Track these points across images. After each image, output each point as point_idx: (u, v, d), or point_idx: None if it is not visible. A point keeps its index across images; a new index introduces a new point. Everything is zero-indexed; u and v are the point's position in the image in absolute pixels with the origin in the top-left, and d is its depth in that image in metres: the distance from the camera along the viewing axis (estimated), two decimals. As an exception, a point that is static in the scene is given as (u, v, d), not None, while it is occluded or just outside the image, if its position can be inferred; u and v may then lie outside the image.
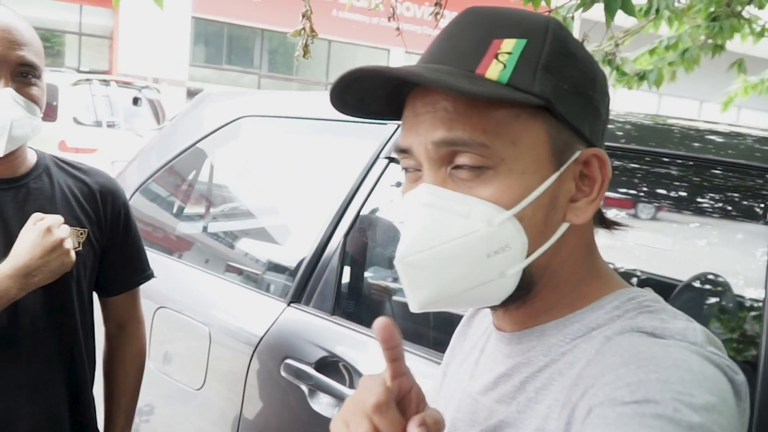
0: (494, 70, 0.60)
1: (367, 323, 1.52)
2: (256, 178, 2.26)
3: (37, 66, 1.18)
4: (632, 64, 2.33)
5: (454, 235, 0.60)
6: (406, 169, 0.67)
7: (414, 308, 0.64)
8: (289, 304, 1.63)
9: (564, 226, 0.63)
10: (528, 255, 0.62)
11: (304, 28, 1.65)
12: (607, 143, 1.33)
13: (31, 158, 1.28)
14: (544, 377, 0.63)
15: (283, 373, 1.52)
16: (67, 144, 7.53)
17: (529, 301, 0.65)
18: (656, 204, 1.43)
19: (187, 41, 13.87)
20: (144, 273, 1.44)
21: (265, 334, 1.60)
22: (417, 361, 1.35)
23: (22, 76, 1.16)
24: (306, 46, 1.68)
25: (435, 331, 1.65)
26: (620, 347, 0.57)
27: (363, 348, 1.47)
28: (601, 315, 0.63)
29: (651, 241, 1.55)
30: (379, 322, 0.59)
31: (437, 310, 0.65)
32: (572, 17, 1.64)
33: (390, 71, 0.60)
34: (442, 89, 0.59)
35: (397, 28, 1.75)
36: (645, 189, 1.46)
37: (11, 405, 1.21)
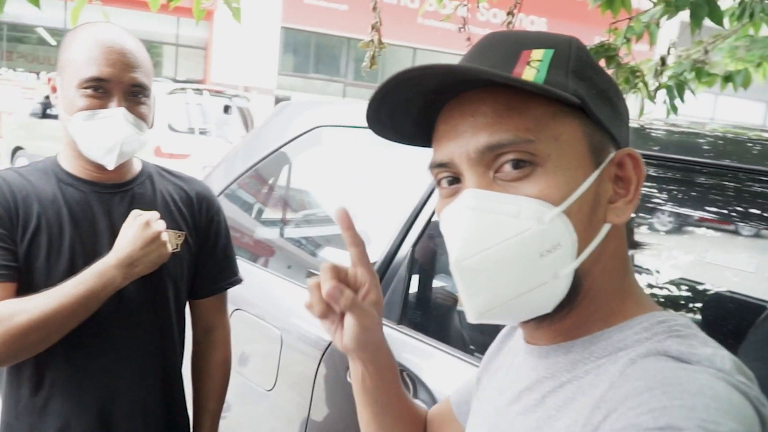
0: (529, 74, 0.62)
1: (433, 334, 1.53)
2: (329, 186, 2.31)
3: (147, 86, 1.28)
4: (722, 65, 2.22)
5: (507, 235, 0.60)
6: (439, 184, 0.68)
7: (471, 317, 0.64)
8: (357, 311, 1.65)
9: (606, 227, 0.64)
10: (578, 255, 0.62)
11: (372, 40, 1.68)
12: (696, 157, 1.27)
13: (137, 166, 1.39)
14: (565, 394, 0.63)
15: (349, 379, 1.54)
16: (162, 150, 7.92)
17: (570, 312, 0.65)
18: (743, 222, 1.36)
19: (277, 51, 14.31)
20: (232, 277, 1.52)
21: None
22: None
23: (133, 95, 1.25)
24: (373, 57, 1.70)
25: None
26: (645, 371, 0.56)
27: (428, 358, 1.48)
28: (630, 335, 0.62)
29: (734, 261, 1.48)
30: (339, 210, 0.76)
31: (493, 322, 0.65)
32: (657, 24, 1.57)
33: (442, 67, 0.60)
34: (496, 79, 0.59)
35: (468, 39, 1.75)
36: (737, 207, 1.39)
37: (111, 392, 1.31)
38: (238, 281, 1.53)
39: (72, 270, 1.23)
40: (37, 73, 14.38)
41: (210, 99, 9.06)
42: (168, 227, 1.31)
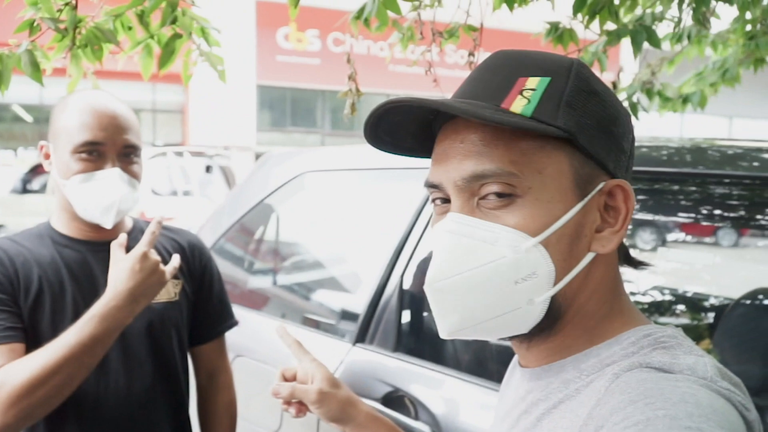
0: (519, 104, 0.63)
1: (429, 357, 1.59)
2: (317, 229, 2.39)
3: (138, 146, 1.35)
4: (674, 88, 2.35)
5: (482, 261, 0.62)
6: (434, 202, 0.71)
7: (443, 334, 0.67)
8: (354, 345, 1.72)
9: (590, 256, 0.65)
10: (555, 283, 0.63)
11: (350, 89, 1.80)
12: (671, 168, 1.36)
13: (128, 223, 1.46)
14: (557, 414, 0.64)
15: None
16: (146, 215, 7.98)
17: (555, 334, 0.67)
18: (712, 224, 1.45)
19: (254, 108, 14.52)
20: (229, 320, 1.58)
21: (333, 373, 1.69)
22: (483, 392, 1.41)
23: (126, 156, 1.32)
24: (353, 104, 1.83)
25: (498, 364, 1.69)
26: (628, 385, 0.57)
27: (426, 382, 1.53)
28: (617, 351, 0.63)
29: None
30: (277, 328, 1.13)
31: (464, 338, 0.69)
32: (605, 52, 1.70)
33: (420, 102, 0.63)
34: (470, 118, 0.62)
35: (434, 80, 1.88)
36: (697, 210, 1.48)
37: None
38: (235, 323, 1.60)
39: None
40: (15, 150, 14.45)
41: (191, 160, 9.19)
42: None
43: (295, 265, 2.41)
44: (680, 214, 1.46)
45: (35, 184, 10.23)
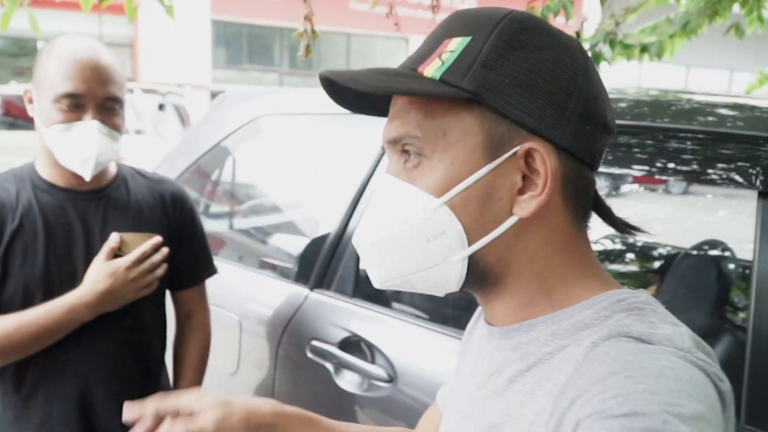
0: (432, 68, 0.64)
1: (385, 303, 1.61)
2: (275, 173, 2.36)
3: (120, 98, 1.32)
4: (636, 36, 2.34)
5: (397, 219, 0.66)
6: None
7: (375, 284, 0.71)
8: (312, 290, 1.73)
9: (512, 219, 0.64)
10: (470, 244, 0.64)
11: (305, 30, 1.75)
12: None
13: (112, 170, 1.43)
14: (532, 379, 0.63)
15: (309, 354, 1.62)
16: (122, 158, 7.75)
17: (503, 294, 0.67)
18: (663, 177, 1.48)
19: (208, 44, 14.06)
20: (209, 269, 1.60)
21: (291, 318, 1.70)
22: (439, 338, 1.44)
23: (108, 109, 1.30)
24: (308, 46, 1.78)
25: (454, 309, 1.73)
26: (607, 355, 0.56)
27: (382, 326, 1.56)
28: (589, 315, 0.63)
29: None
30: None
31: (401, 289, 0.70)
32: (571, 1, 1.68)
33: (336, 77, 0.65)
34: (359, 88, 0.64)
35: (396, 24, 1.84)
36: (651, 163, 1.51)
37: (88, 385, 1.36)
38: (215, 272, 1.61)
39: (47, 276, 1.28)
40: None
41: (142, 97, 8.88)
42: (140, 229, 1.36)
43: (252, 208, 2.39)
44: (635, 167, 1.48)
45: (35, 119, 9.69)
